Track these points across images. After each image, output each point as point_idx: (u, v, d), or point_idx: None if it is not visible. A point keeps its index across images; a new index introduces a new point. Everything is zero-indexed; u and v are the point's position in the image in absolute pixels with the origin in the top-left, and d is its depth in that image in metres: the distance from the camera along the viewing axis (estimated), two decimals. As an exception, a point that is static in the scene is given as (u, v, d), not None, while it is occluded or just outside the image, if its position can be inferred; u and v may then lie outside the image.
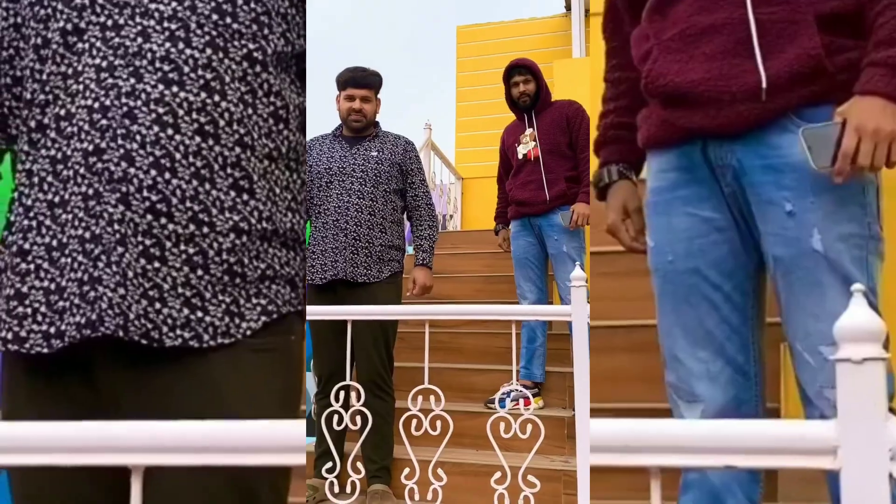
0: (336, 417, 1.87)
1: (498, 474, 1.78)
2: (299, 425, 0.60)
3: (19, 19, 0.92)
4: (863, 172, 1.11)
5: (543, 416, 2.47)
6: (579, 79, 3.31)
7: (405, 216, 2.51)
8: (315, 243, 2.33)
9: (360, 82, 2.34)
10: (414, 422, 1.84)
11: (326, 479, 1.88)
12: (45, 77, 0.90)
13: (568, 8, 4.75)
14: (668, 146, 1.26)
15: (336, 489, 1.89)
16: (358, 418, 1.84)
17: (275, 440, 0.58)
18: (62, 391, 0.89)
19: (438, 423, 1.82)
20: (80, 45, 0.89)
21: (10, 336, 0.86)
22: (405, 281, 2.49)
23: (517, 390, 2.39)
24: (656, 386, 1.38)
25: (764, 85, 1.14)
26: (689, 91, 1.17)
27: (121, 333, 0.84)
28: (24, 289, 0.87)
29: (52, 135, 0.89)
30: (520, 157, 2.70)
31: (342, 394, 1.92)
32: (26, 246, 0.88)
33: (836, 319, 1.06)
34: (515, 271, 2.72)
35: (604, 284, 2.18)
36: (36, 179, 0.88)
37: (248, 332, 0.89)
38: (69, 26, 0.89)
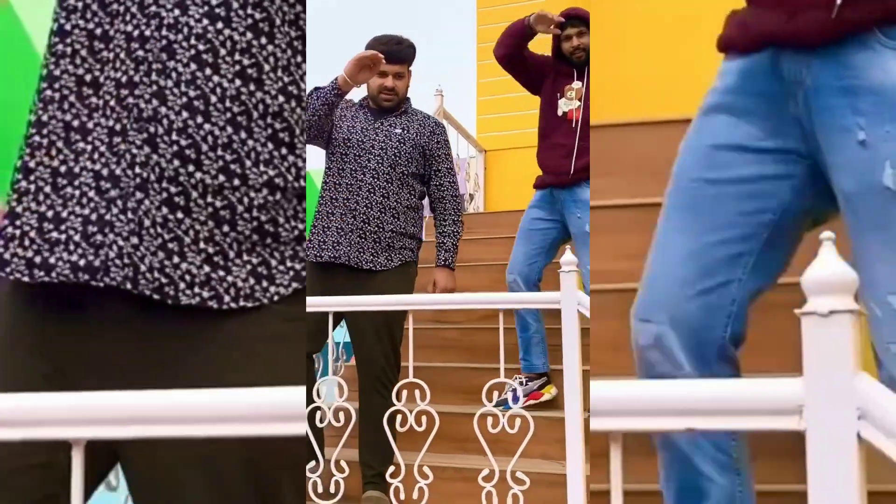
0: (318, 414, 1.74)
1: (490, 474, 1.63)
2: (299, 391, 0.55)
3: None
4: None
5: (554, 418, 2.26)
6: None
7: (427, 204, 2.29)
8: (320, 218, 2.14)
9: (394, 56, 2.07)
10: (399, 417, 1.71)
11: (309, 479, 1.75)
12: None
13: None
14: (740, 52, 1.13)
15: (319, 489, 1.77)
16: (341, 415, 1.70)
17: (274, 408, 0.55)
18: (41, 330, 0.83)
19: (424, 419, 1.67)
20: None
21: None
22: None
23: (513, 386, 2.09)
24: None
25: None
26: None
27: (128, 286, 0.79)
28: (19, 209, 0.82)
29: (83, 52, 0.84)
30: (559, 112, 2.41)
31: (323, 389, 1.80)
32: (31, 164, 0.82)
33: None
34: (517, 240, 2.45)
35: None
36: (57, 96, 0.82)
37: (276, 298, 0.81)
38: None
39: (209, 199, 0.83)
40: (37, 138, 0.83)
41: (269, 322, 0.83)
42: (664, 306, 1.10)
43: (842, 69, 1.07)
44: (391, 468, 1.95)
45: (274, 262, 0.84)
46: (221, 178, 0.82)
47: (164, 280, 0.81)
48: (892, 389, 0.89)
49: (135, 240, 0.81)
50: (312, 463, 1.81)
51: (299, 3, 0.86)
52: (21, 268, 0.81)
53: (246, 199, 0.84)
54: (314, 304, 1.72)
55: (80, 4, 0.84)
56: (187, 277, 0.81)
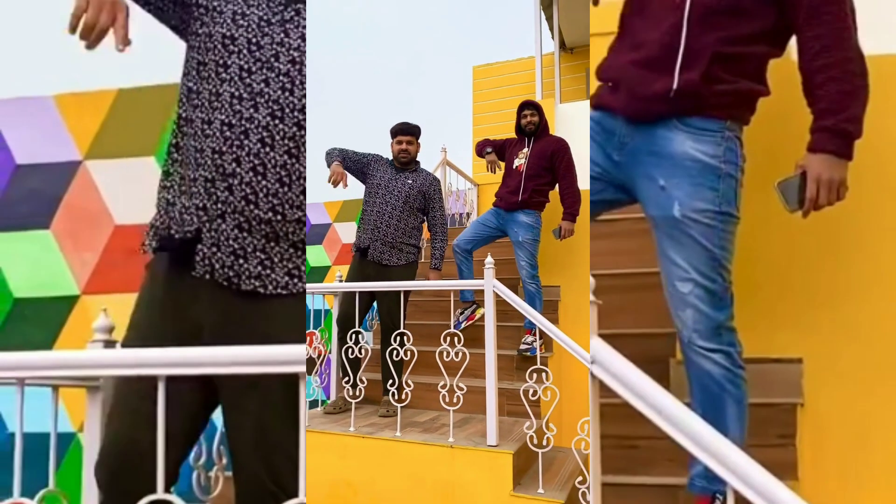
0: (354, 352, 2.82)
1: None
2: (301, 347, 0.92)
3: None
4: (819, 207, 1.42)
5: (500, 354, 3.32)
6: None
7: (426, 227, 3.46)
8: (360, 231, 3.25)
9: (406, 131, 3.24)
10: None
11: (344, 388, 2.82)
12: (199, 89, 1.25)
13: (561, 46, 5.43)
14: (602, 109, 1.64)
15: (352, 393, 2.83)
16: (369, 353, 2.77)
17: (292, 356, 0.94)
18: (181, 289, 1.23)
19: (408, 353, 2.72)
20: (224, 74, 1.23)
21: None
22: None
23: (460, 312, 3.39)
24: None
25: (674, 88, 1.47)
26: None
27: (208, 276, 1.20)
28: (166, 209, 1.28)
29: (193, 131, 1.24)
30: (513, 166, 3.57)
31: (364, 336, 2.87)
32: (167, 197, 1.28)
33: (685, 265, 1.48)
34: (472, 224, 3.64)
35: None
36: (179, 157, 1.27)
37: (302, 291, 1.26)
38: (220, 60, 1.24)
39: (262, 227, 1.20)
40: (171, 184, 1.26)
41: (295, 305, 1.23)
42: None
43: (651, 139, 1.53)
44: (388, 381, 2.98)
45: (302, 268, 1.26)
46: (270, 214, 1.21)
47: (231, 274, 1.19)
48: (679, 335, 1.55)
49: (214, 249, 1.19)
50: (347, 378, 2.88)
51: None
52: (155, 244, 1.25)
53: (284, 229, 1.22)
54: (355, 287, 2.81)
55: (187, 104, 1.25)
56: (247, 272, 1.19)
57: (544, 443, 2.36)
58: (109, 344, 1.31)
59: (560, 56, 5.19)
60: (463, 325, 3.49)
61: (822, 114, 1.42)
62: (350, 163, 3.23)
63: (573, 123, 4.22)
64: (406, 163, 3.25)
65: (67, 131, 3.28)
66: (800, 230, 1.91)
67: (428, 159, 4.81)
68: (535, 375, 2.46)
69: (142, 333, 1.23)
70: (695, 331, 1.51)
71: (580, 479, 2.28)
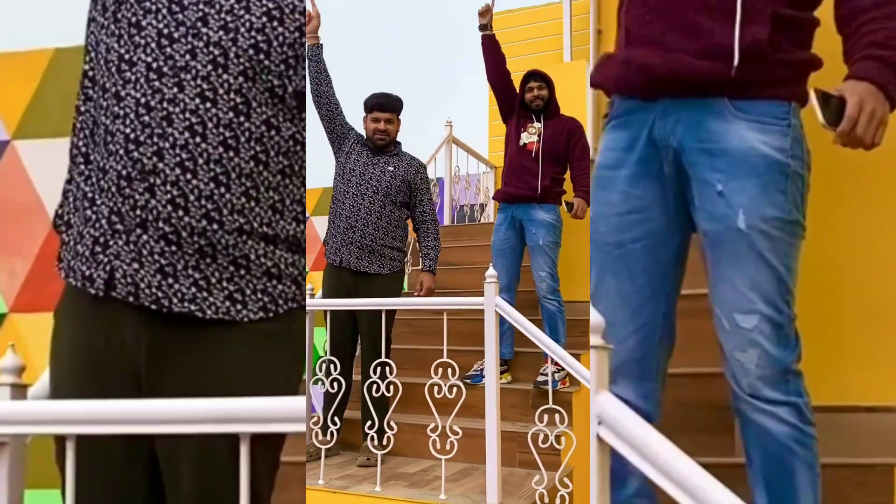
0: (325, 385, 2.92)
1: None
2: (300, 400, 0.92)
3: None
4: (857, 144, 1.41)
5: (511, 388, 3.43)
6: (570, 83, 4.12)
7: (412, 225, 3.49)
8: (330, 230, 3.33)
9: (384, 107, 3.31)
10: (372, 387, 2.84)
11: (313, 429, 2.93)
12: (110, 52, 1.23)
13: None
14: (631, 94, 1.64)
15: (320, 436, 2.94)
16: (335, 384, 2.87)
17: (280, 412, 0.92)
18: (96, 322, 1.24)
19: (391, 388, 2.81)
20: (139, 39, 1.22)
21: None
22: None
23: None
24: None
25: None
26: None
27: (131, 299, 1.20)
28: (68, 220, 1.28)
29: (105, 104, 1.22)
30: (521, 143, 3.63)
31: (325, 366, 2.96)
32: (83, 187, 1.26)
33: (750, 292, 1.50)
34: (493, 259, 3.65)
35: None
36: (89, 133, 1.26)
37: (246, 320, 1.24)
38: (134, 19, 1.22)
39: (195, 238, 1.20)
40: (74, 165, 1.25)
41: (239, 336, 1.23)
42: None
43: (699, 131, 1.53)
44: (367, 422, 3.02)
45: (248, 292, 1.25)
46: (204, 222, 1.20)
47: (160, 295, 1.19)
48: (733, 384, 1.57)
49: (136, 265, 1.19)
50: (316, 418, 2.98)
51: (268, 92, 1.23)
52: (64, 269, 1.26)
53: (223, 240, 1.21)
54: (324, 303, 2.90)
55: (103, 65, 1.23)
56: (179, 294, 1.20)
57: (557, 501, 2.43)
58: (18, 389, 1.31)
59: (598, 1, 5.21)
60: (482, 381, 3.37)
61: (874, 45, 1.44)
62: (336, 114, 3.32)
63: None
64: (384, 145, 3.32)
65: None
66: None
67: (428, 137, 4.83)
68: (546, 417, 2.53)
69: (66, 382, 1.27)
70: (759, 378, 1.52)
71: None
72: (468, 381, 3.41)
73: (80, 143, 1.28)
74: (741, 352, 1.53)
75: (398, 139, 3.42)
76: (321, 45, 3.27)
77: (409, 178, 3.33)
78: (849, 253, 2.07)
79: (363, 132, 3.42)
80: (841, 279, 2.07)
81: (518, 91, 3.71)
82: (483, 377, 3.34)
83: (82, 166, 1.27)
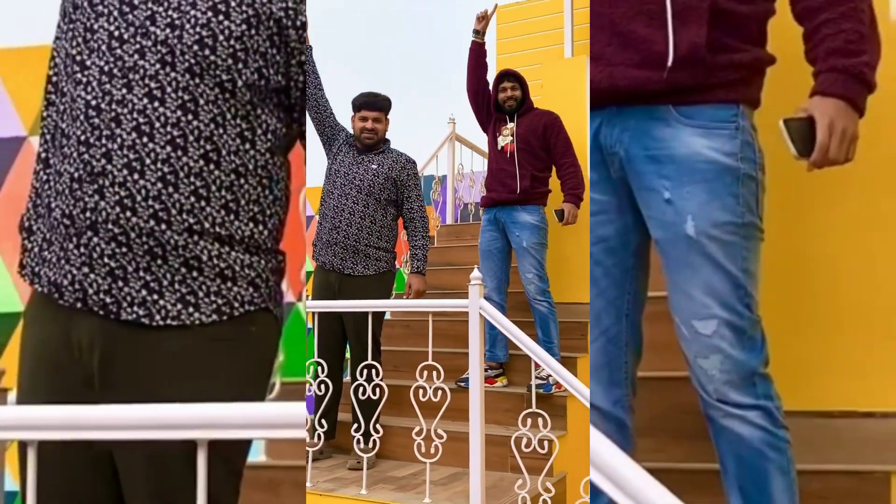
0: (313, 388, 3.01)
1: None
2: (258, 406, 0.94)
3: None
4: (829, 164, 1.46)
5: (506, 392, 3.50)
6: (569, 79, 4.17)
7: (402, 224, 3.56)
8: (319, 228, 3.42)
9: (372, 105, 3.41)
10: (359, 389, 2.93)
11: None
12: (67, 56, 1.28)
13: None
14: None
15: (308, 439, 3.03)
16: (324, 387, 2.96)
17: (276, 419, 0.94)
18: (55, 325, 1.28)
19: (378, 390, 2.89)
20: (92, 43, 1.26)
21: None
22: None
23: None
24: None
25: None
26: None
27: (79, 305, 1.22)
28: (31, 227, 1.32)
29: (63, 108, 1.28)
30: (498, 147, 3.71)
31: (312, 368, 3.05)
32: (41, 192, 1.31)
33: (705, 297, 1.53)
34: (480, 262, 3.71)
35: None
36: (49, 136, 1.32)
37: (198, 322, 1.25)
38: (88, 23, 1.27)
39: (144, 239, 1.22)
40: (36, 169, 1.31)
41: (193, 340, 1.24)
42: None
43: (646, 140, 1.57)
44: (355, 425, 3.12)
45: (201, 294, 1.26)
46: (152, 223, 1.22)
47: (108, 300, 1.21)
48: (700, 391, 1.59)
49: (86, 269, 1.22)
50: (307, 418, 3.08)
51: (217, 87, 1.25)
52: (28, 275, 1.30)
53: (172, 240, 1.23)
54: (314, 307, 3.00)
55: (62, 70, 1.28)
56: (128, 298, 1.22)
57: (540, 507, 2.50)
58: None
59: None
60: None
61: (835, 53, 1.47)
62: (325, 115, 3.42)
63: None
64: (371, 144, 3.40)
65: (8, 98, 3.46)
66: (890, 251, 1.98)
67: (432, 133, 4.95)
68: (529, 421, 2.60)
69: (27, 384, 1.31)
70: (725, 383, 1.55)
71: (584, 555, 2.41)
72: (462, 384, 3.47)
73: (42, 150, 1.32)
74: (703, 358, 1.56)
75: (387, 137, 3.50)
76: (310, 46, 3.35)
77: (394, 175, 3.39)
78: (847, 261, 2.09)
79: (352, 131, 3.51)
80: (837, 285, 2.09)
81: (492, 95, 3.78)
82: (486, 378, 3.50)
83: (41, 172, 1.31)
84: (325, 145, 3.49)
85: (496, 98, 3.75)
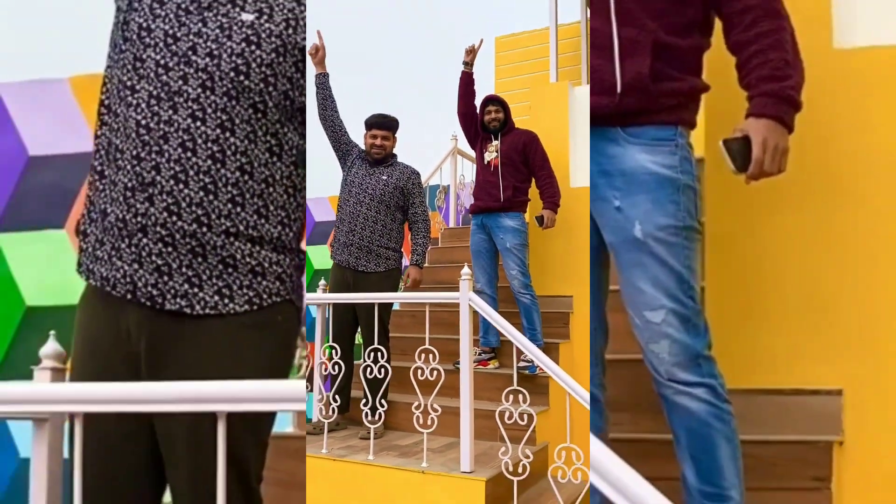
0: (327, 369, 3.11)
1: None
2: (299, 384, 0.97)
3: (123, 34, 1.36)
4: (764, 176, 1.52)
5: (497, 373, 3.58)
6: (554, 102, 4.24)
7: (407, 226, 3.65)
8: (336, 231, 3.52)
9: (381, 125, 3.50)
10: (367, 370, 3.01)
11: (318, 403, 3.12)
12: (119, 82, 1.33)
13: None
14: None
15: (323, 412, 3.13)
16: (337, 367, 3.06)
17: (280, 394, 1.00)
18: (106, 314, 1.33)
19: (383, 371, 2.98)
20: (141, 70, 1.30)
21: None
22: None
23: (477, 354, 3.54)
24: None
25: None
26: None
27: (129, 297, 1.28)
28: (85, 230, 1.36)
29: (116, 127, 1.31)
30: (485, 162, 3.82)
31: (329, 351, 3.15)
32: (95, 200, 1.35)
33: (653, 291, 1.60)
34: (472, 261, 3.80)
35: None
36: (104, 153, 1.35)
37: (232, 312, 1.30)
38: (138, 54, 1.32)
39: (187, 240, 1.27)
40: (91, 180, 1.35)
41: (227, 327, 1.28)
42: None
43: (599, 158, 1.64)
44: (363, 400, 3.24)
45: (235, 287, 1.31)
46: (195, 226, 1.27)
47: (155, 293, 1.27)
48: (652, 372, 1.65)
49: (135, 266, 1.27)
50: (320, 397, 3.17)
51: (251, 108, 1.30)
52: (84, 272, 1.34)
53: (212, 241, 1.28)
54: (329, 299, 3.09)
55: (114, 94, 1.33)
56: (172, 291, 1.27)
57: (520, 470, 2.57)
58: (58, 372, 1.46)
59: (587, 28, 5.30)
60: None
61: (765, 80, 1.53)
62: (340, 134, 3.49)
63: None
64: (381, 158, 3.49)
65: (84, 118, 3.46)
66: (839, 241, 2.03)
67: (437, 148, 5.12)
68: (511, 397, 2.67)
69: (80, 367, 1.34)
70: (674, 364, 1.59)
71: (556, 510, 2.49)
72: (457, 365, 3.52)
73: (97, 163, 1.36)
74: (654, 343, 1.60)
75: (395, 152, 3.59)
76: (327, 73, 3.44)
77: (401, 185, 3.48)
78: (790, 259, 2.12)
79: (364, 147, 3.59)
80: (783, 280, 2.13)
81: (479, 117, 3.88)
82: (480, 359, 3.65)
83: (98, 183, 1.35)
84: (340, 160, 3.58)
85: (482, 119, 3.84)
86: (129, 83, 1.31)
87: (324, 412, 3.16)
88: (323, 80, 3.43)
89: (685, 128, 1.68)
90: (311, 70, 3.39)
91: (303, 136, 1.40)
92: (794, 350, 2.10)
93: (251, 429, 1.31)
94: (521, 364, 3.57)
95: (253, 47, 1.31)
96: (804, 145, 2.05)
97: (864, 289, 2.04)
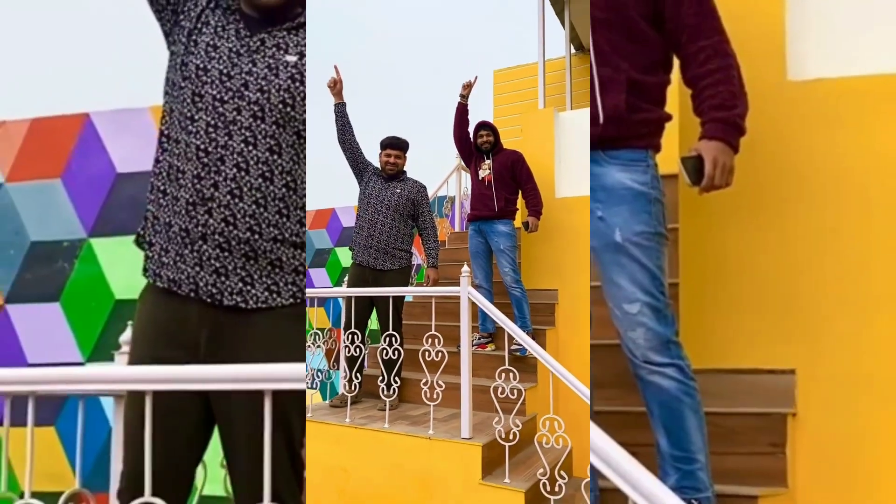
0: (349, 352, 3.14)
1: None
2: (301, 366, 1.01)
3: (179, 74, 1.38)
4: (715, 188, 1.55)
5: (494, 354, 3.60)
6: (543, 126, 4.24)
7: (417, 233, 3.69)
8: (356, 237, 3.55)
9: (395, 146, 3.53)
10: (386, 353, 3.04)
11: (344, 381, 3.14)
12: (181, 114, 1.34)
13: (578, 48, 5.54)
14: None
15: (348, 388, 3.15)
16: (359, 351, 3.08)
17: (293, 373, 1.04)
18: (170, 309, 1.34)
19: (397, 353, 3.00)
20: (199, 103, 1.32)
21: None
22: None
23: (477, 339, 3.57)
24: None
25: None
26: None
27: (192, 294, 1.32)
28: (150, 240, 1.38)
29: (178, 152, 1.33)
30: (479, 178, 3.85)
31: (353, 337, 3.18)
32: (158, 214, 1.37)
33: (631, 286, 1.63)
34: (471, 260, 3.85)
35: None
36: (166, 174, 1.36)
37: (279, 305, 1.34)
38: (196, 90, 1.33)
39: (241, 246, 1.29)
40: (153, 198, 1.35)
41: (276, 318, 1.31)
42: None
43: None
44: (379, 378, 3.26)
45: (281, 284, 1.34)
46: (248, 234, 1.30)
47: (214, 291, 1.29)
48: (629, 356, 1.66)
49: (197, 268, 1.29)
50: (345, 374, 3.20)
51: (295, 134, 1.32)
52: (152, 276, 1.35)
53: (262, 246, 1.31)
54: (352, 293, 3.12)
55: (176, 124, 1.33)
56: (229, 289, 1.30)
57: (511, 437, 2.60)
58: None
59: (575, 59, 5.29)
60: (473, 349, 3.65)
61: (716, 108, 1.56)
62: (357, 155, 3.51)
63: (579, 132, 4.28)
64: (394, 174, 3.51)
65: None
66: (791, 242, 2.05)
67: (444, 164, 5.18)
68: (504, 375, 2.69)
69: (145, 348, 1.35)
70: (648, 349, 1.61)
71: (541, 470, 2.50)
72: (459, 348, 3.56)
73: (159, 183, 1.37)
74: (631, 331, 1.62)
75: (405, 169, 3.61)
76: (345, 103, 3.45)
77: (412, 196, 3.50)
78: (748, 257, 2.13)
79: (378, 164, 3.61)
80: (744, 275, 2.13)
81: (472, 140, 3.91)
82: (479, 343, 3.68)
83: (161, 200, 1.36)
84: (357, 177, 3.60)
85: (476, 142, 3.87)
86: (188, 114, 1.33)
87: (347, 388, 3.19)
88: (341, 109, 3.44)
89: (653, 151, 1.71)
90: (330, 100, 3.41)
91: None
92: (753, 335, 2.11)
93: (295, 402, 1.34)
94: (514, 347, 3.59)
95: (297, 84, 1.34)
96: (759, 159, 2.10)
97: (813, 281, 2.06)
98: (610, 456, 0.96)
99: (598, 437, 0.98)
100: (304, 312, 1.38)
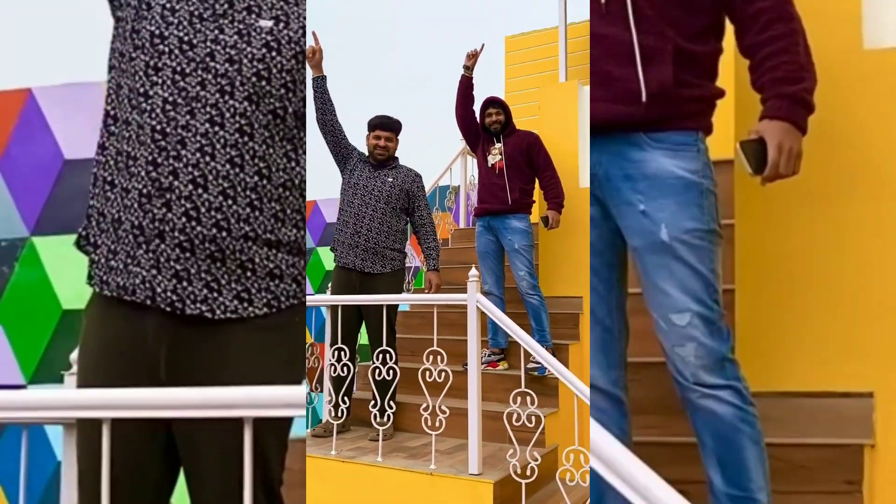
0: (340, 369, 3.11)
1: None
2: (300, 389, 0.94)
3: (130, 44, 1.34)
4: (778, 178, 1.52)
5: (507, 374, 3.58)
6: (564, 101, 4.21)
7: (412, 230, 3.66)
8: (339, 234, 3.50)
9: (385, 126, 3.49)
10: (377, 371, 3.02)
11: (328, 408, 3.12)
12: (131, 91, 1.31)
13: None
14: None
15: (332, 413, 3.13)
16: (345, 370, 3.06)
17: (281, 399, 0.97)
18: (123, 322, 1.31)
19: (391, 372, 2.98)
20: (155, 77, 1.28)
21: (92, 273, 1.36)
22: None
23: (487, 355, 3.55)
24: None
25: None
26: None
27: (149, 302, 1.28)
28: (96, 241, 1.33)
29: (127, 135, 1.29)
30: (489, 164, 3.79)
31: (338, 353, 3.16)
32: (105, 210, 1.32)
33: (680, 294, 1.59)
34: (479, 262, 3.78)
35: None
36: (112, 161, 1.33)
37: (253, 315, 1.30)
38: (151, 62, 1.30)
39: (206, 245, 1.25)
40: (98, 192, 1.30)
41: (248, 331, 1.28)
42: None
43: (622, 163, 1.64)
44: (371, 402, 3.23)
45: (253, 291, 1.31)
46: (214, 231, 1.26)
47: (174, 298, 1.25)
48: (677, 376, 1.64)
49: (153, 272, 1.25)
50: (330, 399, 3.17)
51: (271, 114, 1.29)
52: (98, 283, 1.31)
53: (231, 246, 1.26)
54: (338, 301, 3.09)
55: (125, 103, 1.30)
56: (191, 296, 1.26)
57: (528, 472, 2.57)
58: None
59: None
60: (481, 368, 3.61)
61: (780, 82, 1.54)
62: (340, 138, 3.46)
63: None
64: (384, 160, 3.48)
65: None
66: (868, 241, 2.02)
67: (447, 148, 5.12)
68: (519, 399, 2.66)
69: (94, 373, 1.33)
70: (700, 368, 1.58)
71: (566, 513, 2.47)
72: (466, 367, 3.53)
73: (105, 173, 1.33)
74: (680, 347, 1.59)
75: (397, 154, 3.57)
76: (325, 76, 3.41)
77: (406, 187, 3.47)
78: (816, 259, 2.09)
79: (364, 149, 3.57)
80: (810, 281, 2.11)
81: (479, 119, 3.85)
82: (489, 361, 3.63)
83: (109, 192, 1.33)
84: (339, 164, 3.56)
85: (483, 122, 3.82)
86: (141, 90, 1.30)
87: (332, 414, 3.16)
88: (321, 84, 3.40)
89: (703, 133, 1.68)
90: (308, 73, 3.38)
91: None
92: (823, 351, 2.08)
93: (274, 432, 1.32)
94: (531, 365, 3.56)
95: (273, 53, 1.31)
96: (830, 143, 2.07)
97: (894, 287, 2.03)
98: (614, 457, 0.95)
99: (599, 437, 0.97)
100: (286, 324, 1.34)
